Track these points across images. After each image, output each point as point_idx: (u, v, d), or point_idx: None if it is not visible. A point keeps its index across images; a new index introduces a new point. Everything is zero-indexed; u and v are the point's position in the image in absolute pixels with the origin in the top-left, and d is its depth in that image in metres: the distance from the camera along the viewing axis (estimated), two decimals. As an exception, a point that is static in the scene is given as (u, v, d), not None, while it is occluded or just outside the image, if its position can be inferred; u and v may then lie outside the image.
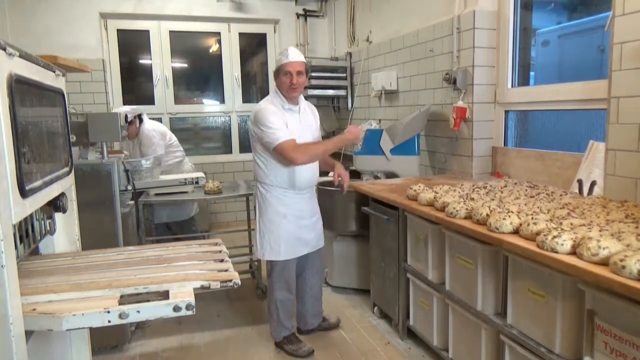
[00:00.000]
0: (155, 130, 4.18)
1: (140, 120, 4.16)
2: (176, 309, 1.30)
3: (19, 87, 1.30)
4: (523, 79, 3.37)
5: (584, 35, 3.15)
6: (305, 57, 2.88)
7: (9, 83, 1.23)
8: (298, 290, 3.02)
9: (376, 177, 3.83)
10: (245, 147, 6.11)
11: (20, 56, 1.34)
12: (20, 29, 4.91)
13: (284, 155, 2.61)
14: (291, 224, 2.79)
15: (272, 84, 6.01)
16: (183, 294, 1.35)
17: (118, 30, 5.45)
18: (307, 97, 5.27)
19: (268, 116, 2.61)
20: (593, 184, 2.43)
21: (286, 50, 2.70)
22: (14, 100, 1.24)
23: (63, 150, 1.82)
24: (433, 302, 2.60)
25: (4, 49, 1.23)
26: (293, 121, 2.73)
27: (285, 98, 2.73)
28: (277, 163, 2.70)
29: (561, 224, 1.83)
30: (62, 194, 1.75)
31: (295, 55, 2.69)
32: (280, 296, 2.86)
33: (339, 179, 2.91)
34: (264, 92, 6.17)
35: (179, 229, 4.29)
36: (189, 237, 4.09)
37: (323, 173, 4.03)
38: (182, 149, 4.48)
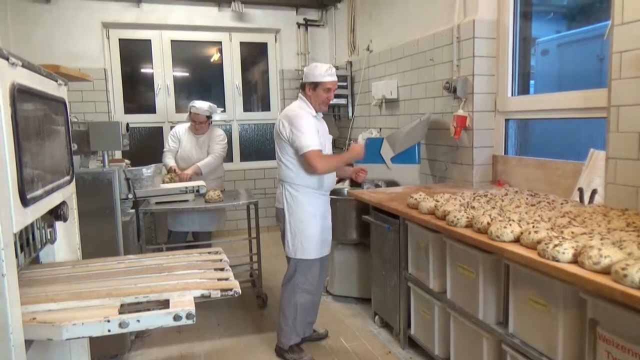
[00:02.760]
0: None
1: (209, 118, 4.30)
2: (176, 318, 1.30)
3: (22, 97, 1.31)
4: (523, 88, 3.38)
5: (584, 44, 3.16)
6: (306, 66, 3.06)
7: (11, 92, 1.23)
8: None
9: (377, 186, 3.83)
10: (245, 155, 6.12)
11: (23, 66, 1.35)
12: (23, 37, 4.94)
13: (310, 162, 2.72)
14: (319, 224, 2.88)
15: (273, 92, 6.11)
16: (183, 303, 1.35)
17: (120, 40, 5.49)
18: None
19: (303, 121, 2.75)
20: (594, 192, 2.43)
21: (330, 69, 2.86)
22: (16, 109, 1.24)
23: (64, 159, 1.83)
24: (434, 311, 2.59)
25: (7, 59, 1.24)
26: (321, 129, 2.90)
27: (313, 108, 2.88)
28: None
29: (562, 232, 1.82)
30: (63, 203, 1.75)
31: (335, 75, 2.90)
32: (302, 299, 2.89)
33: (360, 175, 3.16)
34: (265, 101, 6.20)
35: (205, 239, 4.26)
36: (193, 246, 4.09)
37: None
38: None
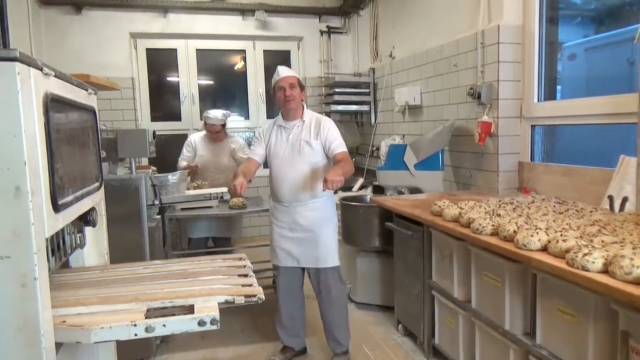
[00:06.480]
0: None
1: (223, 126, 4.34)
2: (201, 323, 1.31)
3: (54, 106, 1.35)
4: (549, 93, 3.32)
5: (612, 48, 3.09)
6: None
7: (44, 102, 1.28)
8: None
9: (400, 193, 3.80)
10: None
11: (56, 76, 1.39)
12: (55, 48, 5.11)
13: None
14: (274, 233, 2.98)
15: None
16: (208, 309, 1.37)
17: (147, 49, 5.61)
18: (330, 113, 5.30)
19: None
20: (625, 200, 2.36)
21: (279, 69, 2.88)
22: (49, 118, 1.28)
23: (94, 166, 1.87)
24: (459, 320, 2.55)
25: (41, 70, 1.28)
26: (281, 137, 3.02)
27: (281, 114, 2.95)
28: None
29: (592, 241, 1.78)
30: (93, 209, 1.79)
31: (283, 72, 2.84)
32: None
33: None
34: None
35: (226, 244, 4.32)
36: (214, 252, 4.13)
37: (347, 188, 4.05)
38: None
